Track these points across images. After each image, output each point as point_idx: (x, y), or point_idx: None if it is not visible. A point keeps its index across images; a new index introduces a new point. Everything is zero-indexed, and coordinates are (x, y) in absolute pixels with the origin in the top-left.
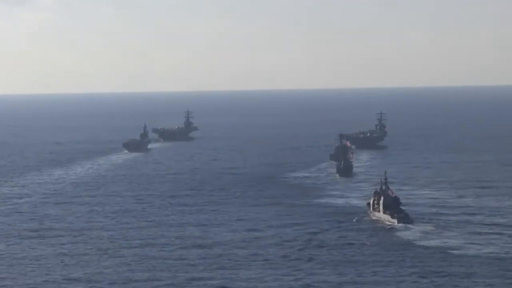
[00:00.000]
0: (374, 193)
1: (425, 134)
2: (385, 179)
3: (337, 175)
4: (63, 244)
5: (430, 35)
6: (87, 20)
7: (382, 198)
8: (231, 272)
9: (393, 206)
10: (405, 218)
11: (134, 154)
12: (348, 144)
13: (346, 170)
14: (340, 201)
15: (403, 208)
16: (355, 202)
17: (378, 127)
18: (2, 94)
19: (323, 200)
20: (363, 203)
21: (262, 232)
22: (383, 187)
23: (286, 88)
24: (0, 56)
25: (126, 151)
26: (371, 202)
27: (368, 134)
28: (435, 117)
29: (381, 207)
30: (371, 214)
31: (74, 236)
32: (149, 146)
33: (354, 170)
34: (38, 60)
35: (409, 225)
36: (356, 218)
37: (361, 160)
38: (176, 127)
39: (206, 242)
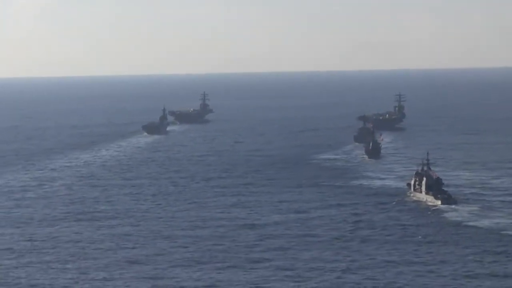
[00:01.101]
0: (416, 174)
1: (442, 115)
2: (427, 160)
3: (366, 156)
4: (113, 227)
5: (445, 17)
6: (93, 3)
7: (424, 179)
8: (290, 253)
9: (435, 187)
10: (448, 199)
11: (154, 137)
12: (371, 126)
13: (375, 152)
14: (376, 182)
15: (445, 189)
16: (391, 183)
17: (396, 108)
18: (12, 77)
19: (359, 182)
20: (399, 184)
21: (309, 214)
22: (425, 168)
23: (300, 70)
24: (8, 39)
25: (146, 133)
26: (412, 182)
27: (387, 115)
28: (450, 99)
29: (423, 188)
30: (412, 195)
31: (122, 218)
32: (168, 128)
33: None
34: (46, 43)
35: (453, 206)
36: (397, 199)
37: (383, 142)
38: (192, 110)
39: (256, 223)
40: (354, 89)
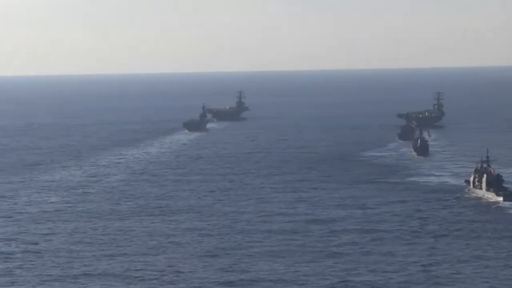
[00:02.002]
0: (475, 170)
1: (481, 113)
2: (487, 157)
3: (415, 154)
4: (182, 222)
5: (490, 15)
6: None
7: (484, 176)
8: (366, 248)
9: (496, 184)
10: (511, 195)
11: (195, 134)
12: (415, 124)
13: (423, 149)
14: (431, 179)
15: (505, 186)
16: (447, 180)
17: (436, 106)
18: (39, 75)
19: (414, 179)
20: (455, 181)
21: (373, 209)
22: (484, 165)
23: (335, 68)
24: (37, 37)
25: (186, 130)
26: (472, 179)
27: (426, 113)
28: (488, 97)
29: (483, 185)
30: (471, 192)
31: (188, 213)
32: (207, 126)
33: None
34: (74, 41)
35: None
36: (456, 195)
37: (430, 139)
38: (228, 107)
39: (324, 219)
40: (390, 87)
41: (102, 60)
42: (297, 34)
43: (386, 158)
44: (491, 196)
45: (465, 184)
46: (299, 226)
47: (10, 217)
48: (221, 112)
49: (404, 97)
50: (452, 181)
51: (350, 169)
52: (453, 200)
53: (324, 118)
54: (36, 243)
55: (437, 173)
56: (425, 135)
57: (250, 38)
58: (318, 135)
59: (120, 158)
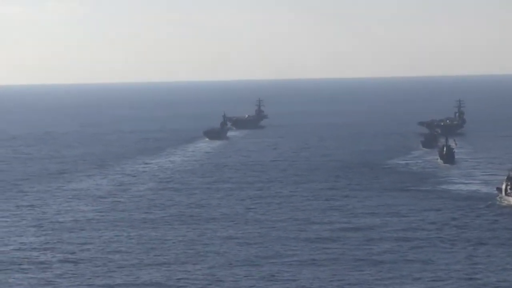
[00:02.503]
0: (508, 178)
1: (502, 121)
2: None
3: (441, 162)
4: (217, 230)
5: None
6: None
7: None
8: (410, 256)
9: None
10: None
11: (216, 142)
12: (439, 132)
13: (449, 157)
14: (461, 187)
15: None
16: (477, 187)
17: (457, 114)
18: (53, 83)
19: (444, 187)
20: (486, 188)
21: (408, 217)
22: None
23: (352, 76)
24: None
25: (207, 139)
26: (504, 187)
27: (448, 121)
28: (508, 104)
29: None
30: (503, 200)
31: (221, 222)
32: (227, 134)
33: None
34: (91, 50)
35: None
36: (488, 203)
37: (456, 147)
38: (247, 116)
39: (360, 227)
40: (408, 95)
41: (117, 69)
42: (314, 42)
43: (413, 166)
44: None
45: (496, 191)
46: (335, 234)
47: (42, 226)
48: (240, 121)
49: (422, 105)
50: (482, 189)
51: (379, 177)
52: (486, 207)
53: (343, 126)
54: (73, 252)
55: (466, 181)
56: (451, 143)
57: (269, 46)
58: (340, 143)
59: (145, 167)
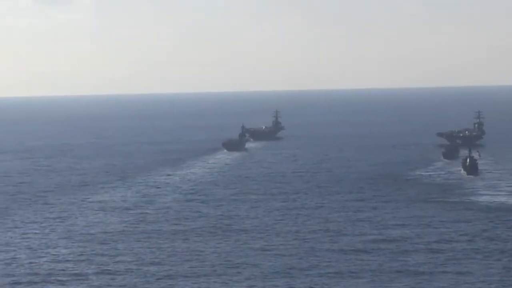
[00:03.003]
0: None
1: None
2: None
3: (464, 173)
4: (247, 241)
5: None
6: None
7: None
8: (445, 267)
9: None
10: None
11: (235, 154)
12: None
13: (473, 168)
14: (488, 199)
15: None
16: (503, 199)
17: (476, 125)
18: (66, 95)
19: (471, 198)
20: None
21: (439, 229)
22: None
23: (367, 87)
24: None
25: (226, 150)
26: None
27: (467, 132)
28: None
29: None
30: None
31: (251, 233)
32: (245, 145)
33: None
34: (102, 62)
35: None
36: None
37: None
38: (264, 127)
39: (393, 238)
40: (424, 106)
41: (132, 80)
42: (330, 53)
43: (436, 178)
44: None
45: None
46: (369, 245)
47: (72, 238)
48: (258, 132)
49: (439, 116)
50: (509, 200)
51: (403, 189)
52: None
53: (361, 137)
54: (108, 264)
55: (492, 192)
56: (474, 154)
57: (286, 57)
58: (359, 154)
59: (167, 178)
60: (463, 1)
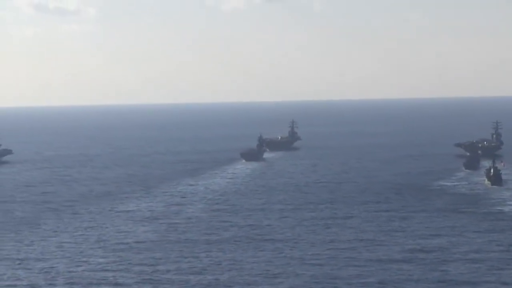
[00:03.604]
0: None
1: None
2: None
3: (489, 183)
4: (284, 251)
5: None
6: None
7: None
8: (488, 277)
9: None
10: None
11: (253, 164)
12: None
13: (497, 178)
14: None
15: None
16: None
17: (494, 136)
18: (76, 105)
19: (498, 208)
20: None
21: (474, 239)
22: None
23: (383, 97)
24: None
25: (244, 160)
26: None
27: (486, 143)
28: None
29: None
30: None
31: (282, 242)
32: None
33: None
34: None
35: None
36: None
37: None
38: (280, 137)
39: (430, 248)
40: (439, 116)
41: (146, 90)
42: (346, 63)
43: (461, 188)
44: None
45: None
46: (406, 255)
47: (106, 247)
48: (274, 142)
49: (455, 126)
50: None
51: (430, 199)
52: None
53: (377, 147)
54: (147, 273)
55: None
56: (498, 164)
57: (302, 68)
58: (379, 164)
59: (190, 188)
60: (485, 11)
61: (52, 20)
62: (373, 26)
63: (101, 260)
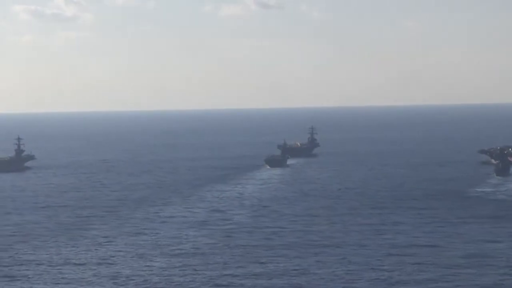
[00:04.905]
0: None
1: None
2: None
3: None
4: (339, 255)
5: None
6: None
7: None
8: None
9: None
10: None
11: (278, 170)
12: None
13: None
14: None
15: None
16: None
17: None
18: (93, 111)
19: None
20: None
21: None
22: None
23: (400, 104)
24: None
25: (268, 166)
26: None
27: (511, 149)
28: None
29: None
30: None
31: (333, 248)
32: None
33: None
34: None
35: None
36: None
37: None
38: (299, 144)
39: (492, 253)
40: (457, 122)
41: (164, 96)
42: (346, 70)
43: (499, 194)
44: None
45: None
46: (470, 260)
47: (166, 252)
48: (295, 149)
49: (472, 133)
50: None
51: (474, 206)
52: None
53: (399, 154)
54: (215, 277)
55: None
56: None
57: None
58: (404, 171)
59: (225, 194)
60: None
61: (49, 28)
62: (372, 34)
63: (164, 265)
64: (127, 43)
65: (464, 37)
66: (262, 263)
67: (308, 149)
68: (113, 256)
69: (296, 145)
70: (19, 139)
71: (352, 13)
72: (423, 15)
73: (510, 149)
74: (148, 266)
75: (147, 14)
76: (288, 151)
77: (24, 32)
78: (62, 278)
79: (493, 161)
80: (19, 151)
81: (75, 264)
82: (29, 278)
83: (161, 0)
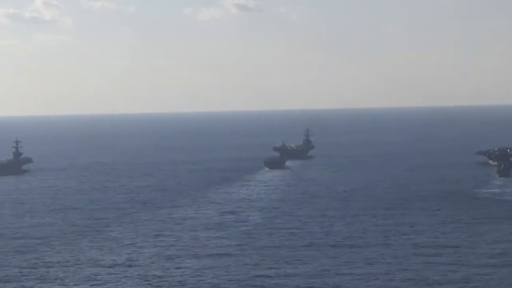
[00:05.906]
0: None
1: None
2: None
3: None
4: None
5: None
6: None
7: None
8: None
9: None
10: None
11: (277, 172)
12: None
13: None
14: None
15: None
16: None
17: None
18: (94, 113)
19: None
20: None
21: None
22: None
23: (394, 106)
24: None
25: (267, 168)
26: None
27: (509, 150)
28: None
29: None
30: None
31: (342, 248)
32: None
33: None
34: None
35: None
36: None
37: None
38: (294, 146)
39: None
40: (452, 124)
41: (162, 99)
42: (325, 72)
43: (506, 195)
44: None
45: None
46: (485, 260)
47: (191, 254)
48: (291, 151)
49: (467, 134)
50: None
51: (487, 206)
52: None
53: (398, 156)
54: (247, 277)
55: None
56: None
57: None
58: (406, 173)
59: (232, 196)
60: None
61: (27, 31)
62: (350, 36)
63: (196, 266)
64: (108, 47)
65: (460, 39)
66: (291, 263)
67: (303, 151)
68: (139, 258)
69: (291, 147)
70: (17, 142)
71: (330, 15)
72: (403, 19)
73: (508, 150)
74: (177, 267)
75: (127, 18)
76: (286, 153)
77: (2, 36)
78: (94, 279)
79: (491, 162)
80: (17, 154)
81: (103, 265)
82: (62, 279)
83: (141, 3)
